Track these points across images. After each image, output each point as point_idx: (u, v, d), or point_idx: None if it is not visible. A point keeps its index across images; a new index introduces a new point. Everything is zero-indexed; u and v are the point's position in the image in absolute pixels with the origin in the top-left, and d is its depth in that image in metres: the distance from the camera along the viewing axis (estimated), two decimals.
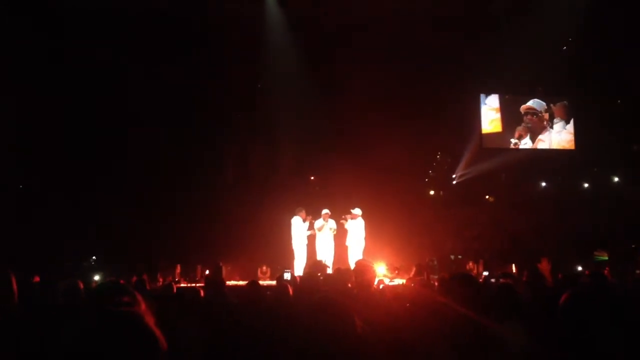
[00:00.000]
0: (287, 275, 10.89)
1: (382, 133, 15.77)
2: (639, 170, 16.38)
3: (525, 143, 17.20)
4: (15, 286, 4.13)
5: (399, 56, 15.18)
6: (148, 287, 6.56)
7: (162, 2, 13.82)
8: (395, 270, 12.36)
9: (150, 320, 1.95)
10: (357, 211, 12.89)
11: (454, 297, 2.95)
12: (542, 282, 7.04)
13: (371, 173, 15.54)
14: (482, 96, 17.30)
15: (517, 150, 17.31)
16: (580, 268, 13.01)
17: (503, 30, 14.95)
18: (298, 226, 12.87)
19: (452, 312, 2.93)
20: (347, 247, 12.97)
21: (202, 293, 5.52)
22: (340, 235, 13.18)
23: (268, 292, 6.47)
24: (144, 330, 1.77)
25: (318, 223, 12.93)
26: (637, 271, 11.55)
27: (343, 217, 13.01)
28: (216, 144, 16.12)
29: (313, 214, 13.16)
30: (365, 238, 12.87)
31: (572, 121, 17.27)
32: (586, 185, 18.17)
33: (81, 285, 4.90)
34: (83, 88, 14.35)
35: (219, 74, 15.20)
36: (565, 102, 17.32)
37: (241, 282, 11.90)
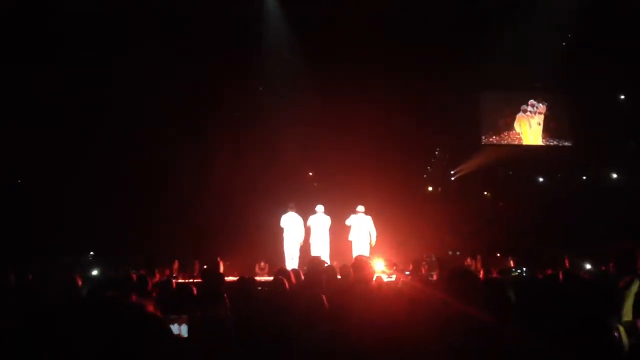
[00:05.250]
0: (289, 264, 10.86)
1: (380, 129, 15.79)
2: (637, 165, 16.39)
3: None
4: (14, 281, 4.15)
5: (398, 52, 15.15)
6: (150, 285, 6.53)
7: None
8: (394, 266, 12.35)
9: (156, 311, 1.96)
10: (360, 208, 12.87)
11: (453, 293, 2.93)
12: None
13: (369, 169, 15.53)
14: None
15: (515, 146, 17.38)
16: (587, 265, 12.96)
17: (503, 26, 14.93)
18: (293, 221, 12.86)
19: (451, 309, 2.93)
20: (350, 242, 12.91)
21: (194, 291, 5.51)
22: (342, 230, 13.12)
23: (259, 288, 6.49)
24: (155, 321, 1.78)
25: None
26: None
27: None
28: (214, 139, 16.08)
29: (311, 209, 13.14)
30: (373, 233, 12.80)
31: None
32: (584, 178, 18.19)
33: (79, 281, 4.90)
34: (80, 85, 14.32)
35: (215, 70, 15.16)
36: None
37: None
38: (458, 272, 3.50)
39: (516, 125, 17.48)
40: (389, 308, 4.24)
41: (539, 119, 17.47)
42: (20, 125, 13.78)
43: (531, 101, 17.38)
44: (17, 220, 13.40)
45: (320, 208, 12.95)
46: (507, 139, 17.50)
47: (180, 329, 4.03)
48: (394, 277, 10.47)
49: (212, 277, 6.80)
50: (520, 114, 17.46)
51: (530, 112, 17.42)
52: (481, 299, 2.92)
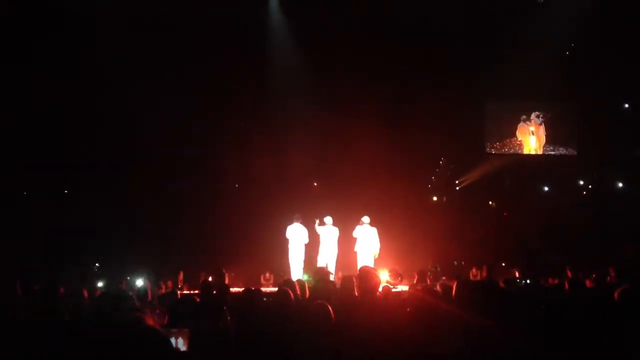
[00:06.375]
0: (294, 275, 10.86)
1: (385, 139, 15.80)
2: None
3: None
4: (20, 293, 4.15)
5: (403, 63, 15.22)
6: (150, 296, 6.55)
7: (166, 8, 13.90)
8: (399, 276, 12.30)
9: (155, 324, 1.96)
10: (365, 219, 12.86)
11: (473, 306, 2.84)
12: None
13: (374, 179, 15.53)
14: None
15: (519, 155, 17.40)
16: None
17: (507, 36, 14.96)
18: (299, 231, 12.87)
19: (460, 319, 2.90)
20: (355, 253, 12.91)
21: (198, 302, 5.54)
22: (347, 242, 13.12)
23: (265, 299, 6.49)
24: (155, 334, 1.79)
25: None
26: None
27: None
28: (220, 150, 16.12)
29: (319, 218, 13.14)
30: (377, 244, 12.81)
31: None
32: (589, 187, 18.15)
33: (85, 294, 4.91)
34: (83, 92, 14.40)
35: (222, 80, 15.23)
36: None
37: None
38: (481, 286, 3.32)
39: (519, 134, 17.49)
40: (396, 318, 4.23)
41: (543, 127, 17.47)
42: (27, 135, 13.87)
43: (535, 112, 17.41)
44: (24, 231, 13.43)
45: (328, 220, 12.94)
46: (509, 145, 17.51)
47: (178, 343, 4.03)
48: (399, 288, 10.42)
49: (211, 290, 6.80)
50: (522, 123, 17.48)
51: (534, 121, 17.43)
52: (503, 311, 2.84)
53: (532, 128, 17.48)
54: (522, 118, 17.50)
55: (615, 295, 4.52)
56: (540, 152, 17.50)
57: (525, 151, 17.55)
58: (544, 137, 17.46)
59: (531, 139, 17.50)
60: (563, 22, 15.04)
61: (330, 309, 4.21)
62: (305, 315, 4.26)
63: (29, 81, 13.52)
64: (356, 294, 4.98)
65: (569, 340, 3.88)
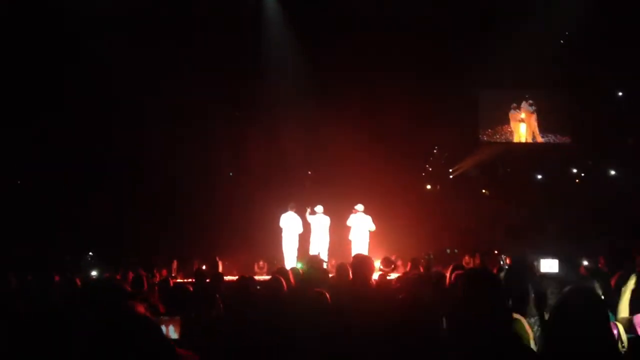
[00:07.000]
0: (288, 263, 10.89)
1: (379, 128, 15.81)
2: (635, 163, 16.41)
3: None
4: (15, 283, 4.16)
5: (396, 51, 15.19)
6: (145, 284, 6.55)
7: None
8: (391, 264, 12.36)
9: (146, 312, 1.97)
10: (358, 207, 12.90)
11: (466, 293, 2.80)
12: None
13: (368, 167, 15.55)
14: None
15: (513, 143, 17.43)
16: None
17: (501, 24, 14.93)
18: (293, 220, 12.89)
19: (449, 306, 2.92)
20: (350, 241, 12.96)
21: (191, 290, 5.56)
22: (341, 230, 13.15)
23: (258, 287, 6.52)
24: (146, 322, 1.80)
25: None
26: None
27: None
28: (213, 139, 16.10)
29: (310, 208, 13.18)
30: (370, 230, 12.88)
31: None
32: (582, 175, 18.22)
33: (78, 282, 4.91)
34: (80, 84, 14.34)
35: (216, 69, 15.18)
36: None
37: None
38: (474, 273, 3.19)
39: (512, 123, 17.53)
40: (389, 304, 4.26)
41: (535, 116, 17.50)
42: (21, 126, 13.81)
43: (529, 101, 17.42)
44: (18, 220, 13.42)
45: (319, 208, 12.98)
46: (500, 132, 17.55)
47: (169, 331, 4.04)
48: (392, 275, 10.47)
49: (205, 278, 6.82)
50: (512, 111, 17.51)
51: (525, 109, 17.45)
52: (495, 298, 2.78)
53: (522, 115, 17.51)
54: (512, 106, 17.51)
55: (612, 282, 4.57)
56: (530, 140, 17.52)
57: (515, 139, 17.59)
58: (537, 125, 17.47)
59: (521, 127, 17.53)
60: (557, 10, 15.03)
61: (327, 296, 4.25)
62: (302, 302, 4.29)
63: (27, 80, 13.50)
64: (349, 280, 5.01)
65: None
